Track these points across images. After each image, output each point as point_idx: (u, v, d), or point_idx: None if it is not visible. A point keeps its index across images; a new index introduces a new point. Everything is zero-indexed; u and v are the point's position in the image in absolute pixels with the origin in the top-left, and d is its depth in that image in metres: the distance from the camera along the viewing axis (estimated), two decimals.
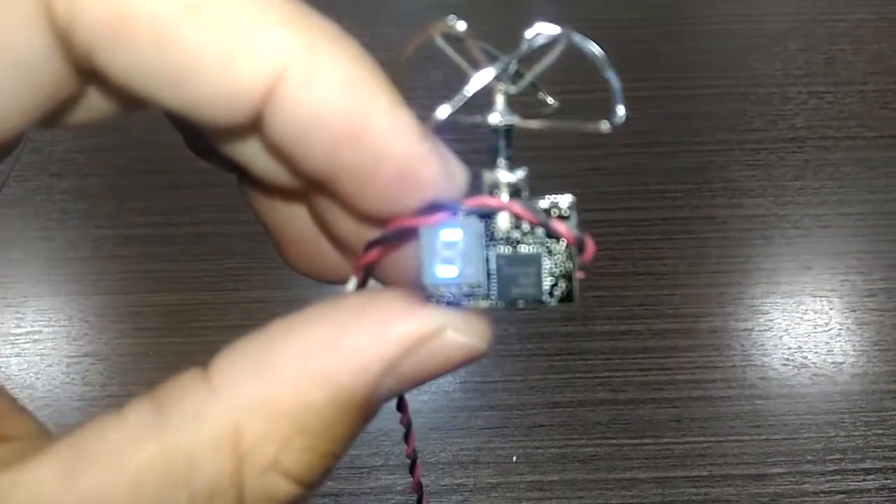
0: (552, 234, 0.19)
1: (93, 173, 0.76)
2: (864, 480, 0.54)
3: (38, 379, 0.60)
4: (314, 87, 0.18)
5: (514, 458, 0.57)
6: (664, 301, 0.65)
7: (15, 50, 0.17)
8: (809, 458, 0.56)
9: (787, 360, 0.61)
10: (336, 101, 0.18)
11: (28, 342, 0.63)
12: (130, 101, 0.21)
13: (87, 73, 0.19)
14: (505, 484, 0.56)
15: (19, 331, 0.64)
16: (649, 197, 0.72)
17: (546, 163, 0.69)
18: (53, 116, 0.20)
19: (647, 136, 0.76)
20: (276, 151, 0.20)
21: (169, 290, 0.67)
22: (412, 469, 0.26)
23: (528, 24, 0.19)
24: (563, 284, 0.20)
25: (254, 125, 0.19)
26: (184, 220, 0.72)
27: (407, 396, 0.26)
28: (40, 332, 0.64)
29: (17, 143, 0.21)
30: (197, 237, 0.71)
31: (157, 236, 0.71)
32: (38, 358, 0.61)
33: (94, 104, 0.21)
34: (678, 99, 0.79)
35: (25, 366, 0.61)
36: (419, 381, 0.20)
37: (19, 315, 0.65)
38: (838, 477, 0.55)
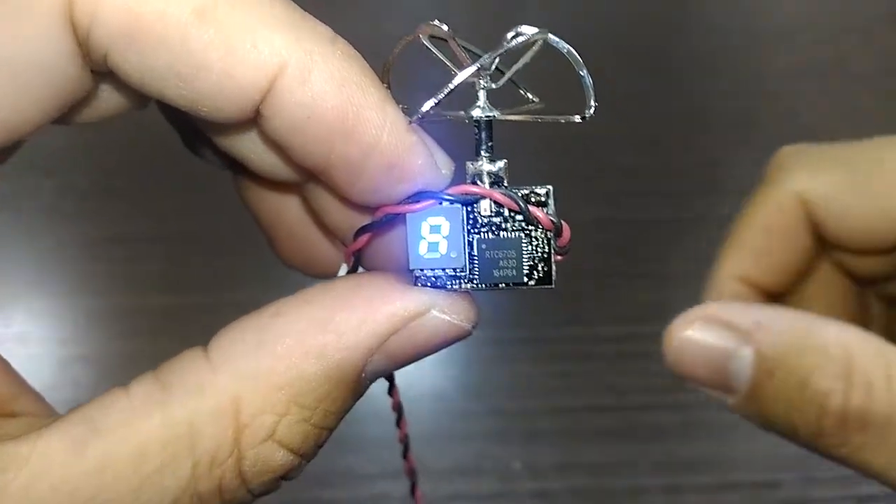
0: (531, 220, 0.22)
1: (82, 172, 0.79)
2: (875, 486, 0.56)
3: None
4: (310, 85, 0.21)
5: (517, 466, 0.58)
6: (671, 303, 0.66)
7: (39, 53, 0.21)
8: (820, 463, 0.57)
9: None
10: (329, 98, 0.21)
11: (17, 344, 0.65)
12: (138, 99, 0.24)
13: (101, 73, 0.22)
14: (507, 492, 0.57)
15: (8, 332, 0.66)
16: (656, 197, 0.74)
17: (552, 162, 0.72)
18: (65, 114, 0.23)
19: (654, 134, 0.78)
20: (274, 144, 0.23)
21: (160, 291, 0.69)
22: (405, 453, 0.29)
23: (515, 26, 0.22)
24: (541, 267, 0.23)
25: (253, 119, 0.22)
26: (175, 219, 0.75)
27: (404, 402, 0.28)
28: (29, 333, 0.66)
29: (28, 138, 0.24)
30: (189, 237, 0.73)
31: (148, 236, 0.73)
32: (27, 360, 0.63)
33: (103, 103, 0.24)
34: (685, 96, 0.82)
35: (21, 374, 0.63)
36: (407, 359, 0.23)
37: (7, 316, 0.67)
38: (849, 483, 0.56)
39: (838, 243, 0.34)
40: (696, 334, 0.29)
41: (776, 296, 0.35)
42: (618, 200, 0.74)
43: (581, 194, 0.72)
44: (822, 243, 0.35)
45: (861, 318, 0.37)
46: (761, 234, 0.35)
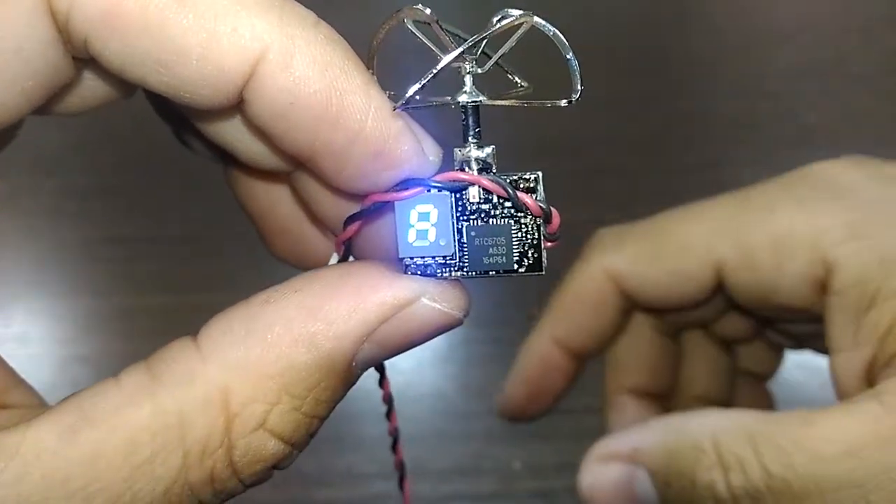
0: (519, 207, 0.22)
1: (82, 172, 0.79)
2: None
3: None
4: (292, 69, 0.21)
5: (517, 466, 0.58)
6: None
7: (19, 39, 0.21)
8: None
9: (799, 364, 0.62)
10: (312, 82, 0.21)
11: (17, 344, 0.65)
12: (121, 88, 0.24)
13: (83, 60, 0.22)
14: (506, 492, 0.57)
15: (8, 332, 0.66)
16: (656, 197, 0.74)
17: (552, 162, 0.72)
18: (50, 103, 0.23)
19: (654, 134, 0.78)
20: (259, 131, 0.23)
21: (160, 291, 0.69)
22: (394, 446, 0.29)
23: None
24: (531, 254, 0.23)
25: (237, 106, 0.22)
26: (175, 219, 0.75)
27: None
28: (29, 333, 0.66)
29: (16, 129, 0.24)
30: (188, 238, 0.73)
31: (148, 236, 0.74)
32: (27, 360, 0.63)
33: (88, 91, 0.24)
34: (685, 96, 0.82)
35: (14, 368, 0.63)
36: (398, 348, 0.23)
37: (7, 316, 0.68)
38: None
39: (646, 305, 0.38)
40: (596, 476, 0.32)
41: (586, 356, 0.39)
42: (617, 201, 0.74)
43: (580, 195, 0.72)
44: (635, 305, 0.38)
45: (672, 363, 0.41)
46: (573, 306, 0.38)
